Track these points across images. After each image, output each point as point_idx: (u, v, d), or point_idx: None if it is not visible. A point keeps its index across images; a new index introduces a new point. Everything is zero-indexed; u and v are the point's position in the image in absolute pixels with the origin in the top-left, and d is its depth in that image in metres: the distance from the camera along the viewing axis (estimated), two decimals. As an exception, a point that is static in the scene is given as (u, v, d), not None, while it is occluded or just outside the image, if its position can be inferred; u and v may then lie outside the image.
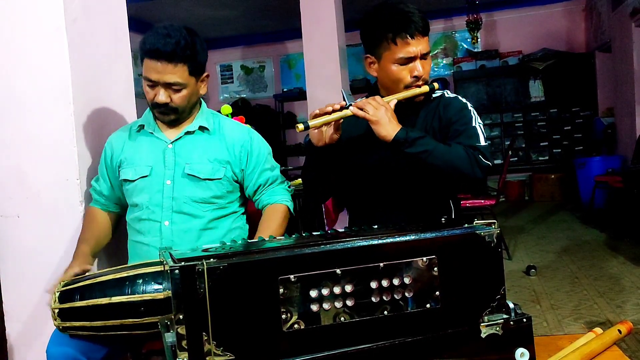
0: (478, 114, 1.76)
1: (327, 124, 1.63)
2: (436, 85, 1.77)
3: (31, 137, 1.90)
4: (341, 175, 1.85)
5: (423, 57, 1.72)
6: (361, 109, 1.62)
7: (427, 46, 1.73)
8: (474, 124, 1.71)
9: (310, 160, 1.80)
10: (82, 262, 1.69)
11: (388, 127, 1.60)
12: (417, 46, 1.69)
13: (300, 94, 8.06)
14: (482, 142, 1.67)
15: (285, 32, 8.23)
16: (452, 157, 1.61)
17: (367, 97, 1.85)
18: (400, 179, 1.77)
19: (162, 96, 1.70)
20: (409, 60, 1.70)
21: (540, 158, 7.88)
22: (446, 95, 1.83)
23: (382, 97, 1.71)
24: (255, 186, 1.86)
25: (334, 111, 1.62)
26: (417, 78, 1.72)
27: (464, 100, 1.81)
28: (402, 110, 1.73)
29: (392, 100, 1.68)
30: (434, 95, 1.81)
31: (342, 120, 1.65)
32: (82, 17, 1.94)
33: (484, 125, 1.76)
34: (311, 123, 1.60)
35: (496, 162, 7.54)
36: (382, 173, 1.79)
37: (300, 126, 1.59)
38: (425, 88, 1.73)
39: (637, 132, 5.94)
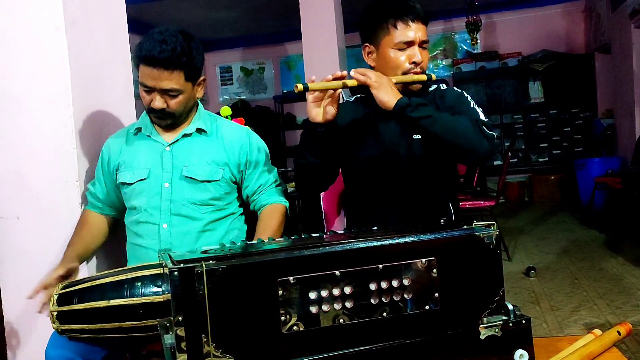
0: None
1: (326, 90, 1.60)
2: (433, 75, 1.77)
3: (31, 139, 1.90)
4: (338, 161, 1.82)
5: (422, 45, 1.74)
6: (363, 76, 1.61)
7: (425, 35, 1.74)
8: (472, 106, 1.73)
9: (306, 142, 1.71)
10: (66, 264, 1.67)
11: (390, 93, 1.59)
12: (416, 32, 1.71)
13: (299, 95, 8.05)
14: (484, 118, 1.67)
15: (285, 33, 8.24)
16: (457, 125, 1.59)
17: (360, 95, 1.86)
18: (399, 175, 1.77)
19: (158, 102, 1.70)
20: (408, 45, 1.71)
21: (540, 159, 7.89)
22: (441, 87, 1.85)
23: None
24: (256, 186, 1.86)
25: (335, 79, 1.59)
26: (415, 65, 1.72)
27: (458, 90, 1.83)
28: None
29: (392, 79, 1.68)
30: (430, 89, 1.83)
31: (340, 90, 1.61)
32: (82, 19, 1.94)
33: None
34: (311, 85, 1.58)
35: (496, 163, 7.54)
36: (380, 169, 1.78)
37: (300, 86, 1.56)
38: (423, 76, 1.73)
39: (636, 134, 5.94)
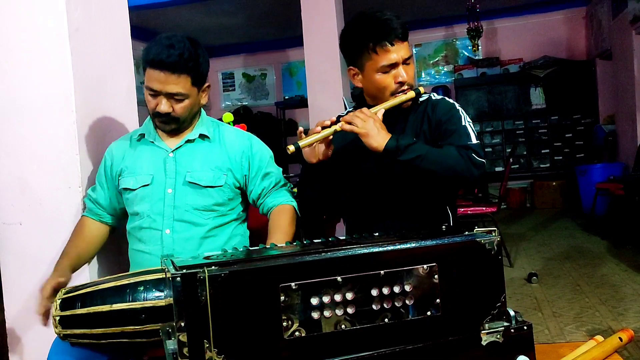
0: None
1: (318, 141, 1.65)
2: (422, 89, 1.78)
3: (34, 145, 1.91)
4: (337, 186, 1.85)
5: (405, 62, 1.74)
6: (349, 123, 1.63)
7: (408, 51, 1.74)
8: (463, 123, 1.72)
9: (306, 178, 1.81)
10: (58, 276, 1.62)
11: (378, 137, 1.61)
12: (398, 52, 1.71)
13: (301, 102, 8.08)
14: (474, 141, 1.68)
15: (287, 39, 8.27)
16: (446, 159, 1.61)
17: (355, 107, 1.86)
18: (395, 185, 1.78)
19: (164, 106, 1.71)
20: (392, 67, 1.72)
21: (541, 165, 7.89)
22: (433, 97, 1.84)
23: (369, 106, 1.73)
24: (260, 189, 1.86)
25: (323, 128, 1.64)
26: (401, 84, 1.73)
27: (451, 101, 1.82)
28: (391, 117, 1.74)
29: (380, 110, 1.69)
30: (420, 99, 1.82)
31: (332, 137, 1.67)
32: (85, 26, 1.95)
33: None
34: (301, 143, 1.63)
35: (497, 169, 7.54)
36: (376, 181, 1.80)
37: (291, 147, 1.61)
38: (412, 93, 1.74)
39: (638, 139, 5.95)
